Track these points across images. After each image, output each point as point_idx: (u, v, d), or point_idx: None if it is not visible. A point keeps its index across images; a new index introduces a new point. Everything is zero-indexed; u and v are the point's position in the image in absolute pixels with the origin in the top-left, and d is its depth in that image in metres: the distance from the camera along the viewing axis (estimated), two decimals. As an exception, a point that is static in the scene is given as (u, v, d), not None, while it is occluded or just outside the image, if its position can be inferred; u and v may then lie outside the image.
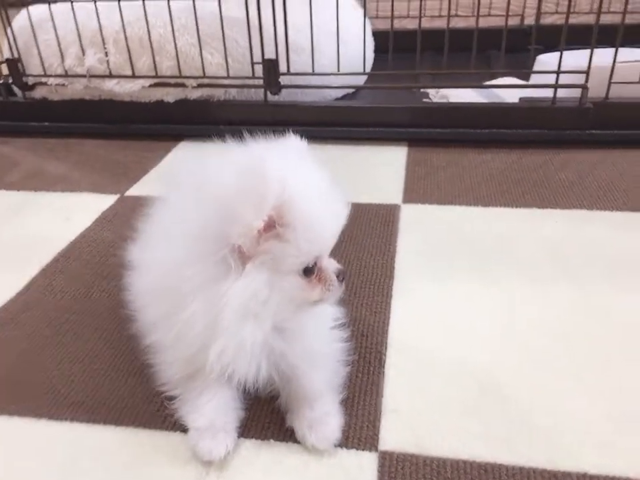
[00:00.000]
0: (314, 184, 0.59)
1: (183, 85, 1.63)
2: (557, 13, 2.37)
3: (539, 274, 0.99)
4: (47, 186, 1.42)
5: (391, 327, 0.88)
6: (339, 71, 1.56)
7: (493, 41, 1.49)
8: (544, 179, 1.35)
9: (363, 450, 0.68)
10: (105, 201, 1.33)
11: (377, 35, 1.89)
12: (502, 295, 0.95)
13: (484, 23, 1.42)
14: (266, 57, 1.53)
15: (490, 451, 0.67)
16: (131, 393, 0.78)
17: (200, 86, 1.62)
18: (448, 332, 0.87)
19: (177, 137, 1.68)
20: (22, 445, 0.72)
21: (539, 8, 2.19)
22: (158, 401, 0.76)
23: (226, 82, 1.61)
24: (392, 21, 1.49)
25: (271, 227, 0.55)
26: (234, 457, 0.68)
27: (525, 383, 0.76)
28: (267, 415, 0.73)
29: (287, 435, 0.70)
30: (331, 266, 0.63)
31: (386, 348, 0.84)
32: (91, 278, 1.04)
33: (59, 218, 1.27)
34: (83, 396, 0.78)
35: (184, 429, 0.71)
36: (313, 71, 1.56)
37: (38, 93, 1.74)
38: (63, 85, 1.68)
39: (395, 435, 0.70)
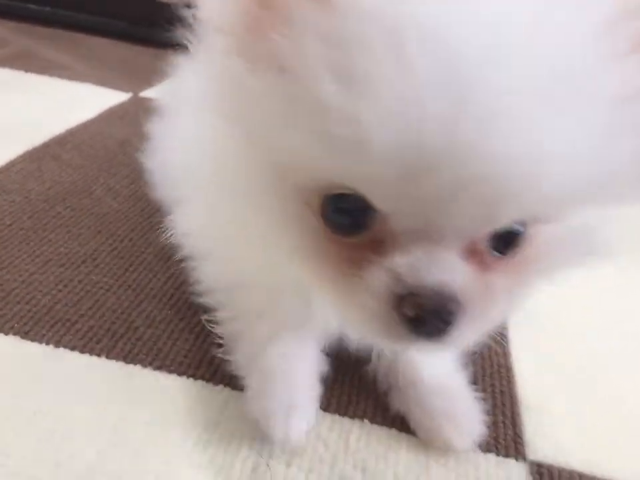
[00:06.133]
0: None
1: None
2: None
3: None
4: (41, 69, 1.13)
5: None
6: None
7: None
8: None
9: (505, 457, 0.45)
10: (113, 97, 1.06)
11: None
12: None
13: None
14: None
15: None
16: (146, 319, 0.53)
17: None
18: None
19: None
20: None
21: None
22: (191, 338, 0.51)
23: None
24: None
25: None
26: (311, 439, 0.44)
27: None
28: (352, 382, 0.50)
29: (387, 417, 0.47)
30: (416, 265, 0.27)
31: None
32: (93, 172, 0.77)
33: (54, 103, 0.99)
34: (73, 314, 0.52)
35: (234, 385, 0.46)
36: None
37: (43, -31, 1.44)
38: (77, -36, 1.40)
39: (544, 441, 0.47)
